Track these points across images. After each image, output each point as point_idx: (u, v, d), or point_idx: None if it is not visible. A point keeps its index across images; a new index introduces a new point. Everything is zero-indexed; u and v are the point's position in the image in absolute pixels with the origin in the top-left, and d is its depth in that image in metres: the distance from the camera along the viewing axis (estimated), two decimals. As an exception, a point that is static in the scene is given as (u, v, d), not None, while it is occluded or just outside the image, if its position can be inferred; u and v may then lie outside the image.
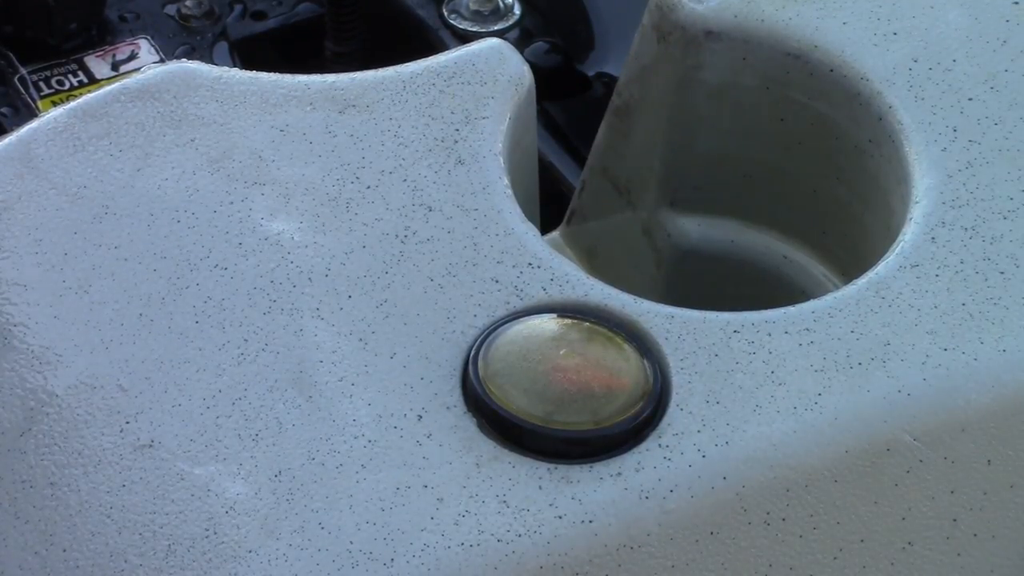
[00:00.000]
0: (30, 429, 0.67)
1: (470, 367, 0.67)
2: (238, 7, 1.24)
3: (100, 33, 1.20)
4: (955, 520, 0.68)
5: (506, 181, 0.74)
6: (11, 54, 1.17)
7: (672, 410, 0.66)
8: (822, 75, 0.80)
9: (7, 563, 0.66)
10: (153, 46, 1.20)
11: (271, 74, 0.79)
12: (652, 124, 0.85)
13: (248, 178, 0.74)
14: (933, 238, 0.72)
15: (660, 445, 0.65)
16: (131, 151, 0.76)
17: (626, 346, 0.68)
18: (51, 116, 0.78)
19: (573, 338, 0.68)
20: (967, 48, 0.80)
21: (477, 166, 0.75)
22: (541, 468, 0.64)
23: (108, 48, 1.19)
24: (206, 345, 0.68)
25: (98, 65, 1.18)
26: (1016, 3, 0.82)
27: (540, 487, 0.64)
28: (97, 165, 0.75)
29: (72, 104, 0.78)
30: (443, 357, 0.68)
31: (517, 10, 1.22)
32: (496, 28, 1.21)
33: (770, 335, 0.68)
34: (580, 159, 1.03)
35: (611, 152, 0.88)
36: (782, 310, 0.69)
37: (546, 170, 1.06)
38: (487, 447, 0.65)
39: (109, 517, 0.64)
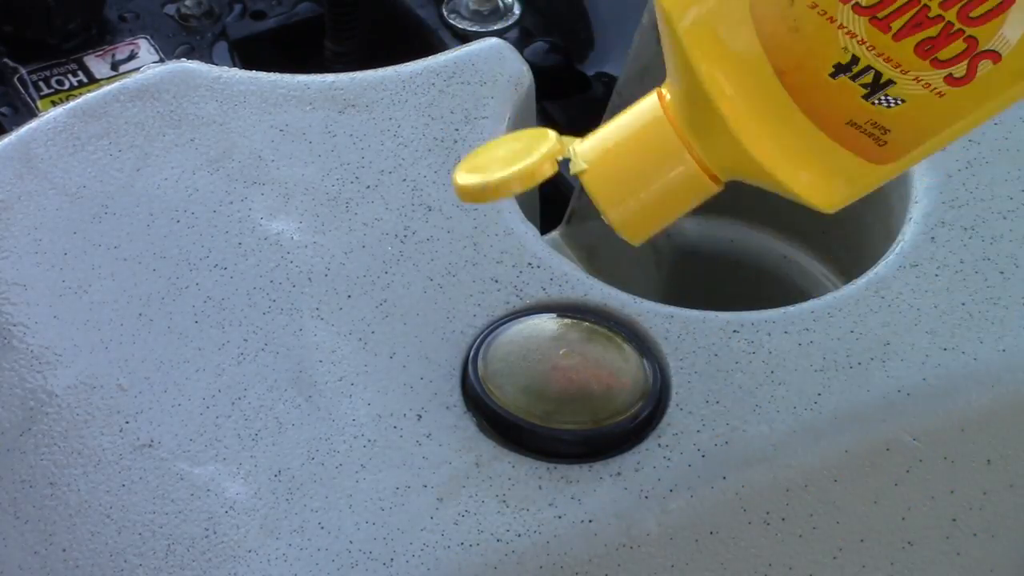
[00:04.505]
0: (30, 429, 0.67)
1: (470, 367, 0.67)
2: (238, 7, 1.24)
3: (100, 33, 1.20)
4: (955, 520, 0.68)
5: (506, 181, 0.74)
6: (11, 54, 1.17)
7: (672, 410, 0.66)
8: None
9: (7, 563, 0.66)
10: (153, 46, 1.20)
11: (271, 74, 0.79)
12: (652, 124, 0.85)
13: (248, 178, 0.74)
14: (933, 238, 0.72)
15: (660, 445, 0.65)
16: (131, 151, 0.76)
17: (626, 346, 0.67)
18: (51, 116, 0.77)
19: (573, 338, 0.68)
20: (967, 48, 0.79)
21: (477, 166, 0.74)
22: (541, 468, 0.64)
23: (108, 48, 1.19)
24: (206, 345, 0.68)
25: (98, 65, 1.18)
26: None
27: (540, 487, 0.64)
28: (97, 165, 0.75)
29: (71, 104, 0.78)
30: (443, 357, 0.67)
31: (517, 10, 1.22)
32: (496, 28, 1.21)
33: (770, 335, 0.68)
34: (580, 159, 1.03)
35: (611, 152, 0.88)
36: (782, 310, 0.69)
37: (546, 170, 1.06)
38: (487, 447, 0.65)
39: (109, 517, 0.64)
